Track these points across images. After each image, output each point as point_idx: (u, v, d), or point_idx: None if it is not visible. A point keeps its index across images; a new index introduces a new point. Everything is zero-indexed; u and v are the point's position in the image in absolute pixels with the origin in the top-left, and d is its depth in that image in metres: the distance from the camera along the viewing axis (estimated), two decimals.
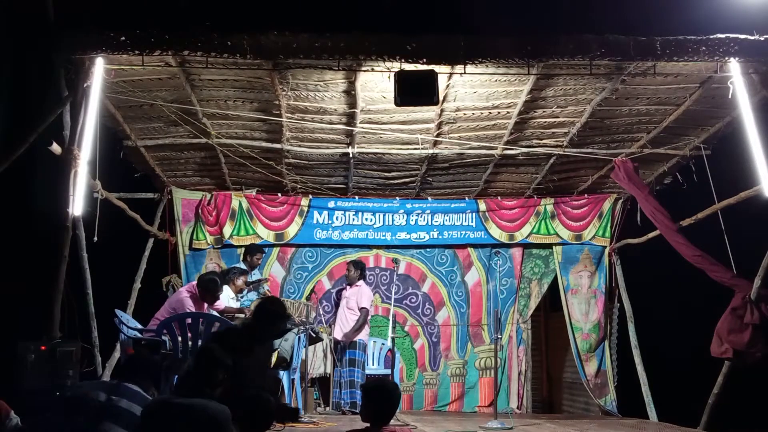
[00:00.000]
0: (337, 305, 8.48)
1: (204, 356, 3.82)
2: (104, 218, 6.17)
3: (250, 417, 3.65)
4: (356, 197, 8.73)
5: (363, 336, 7.63)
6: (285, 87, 6.02)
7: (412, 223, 8.70)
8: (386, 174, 8.22)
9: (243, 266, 7.69)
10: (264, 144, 7.20)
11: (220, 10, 5.61)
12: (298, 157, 7.65)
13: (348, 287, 7.87)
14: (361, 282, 7.75)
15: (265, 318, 4.72)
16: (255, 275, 7.96)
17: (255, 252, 7.96)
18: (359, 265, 7.87)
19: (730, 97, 5.63)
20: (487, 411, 8.15)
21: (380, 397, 3.63)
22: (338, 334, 7.76)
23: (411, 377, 8.60)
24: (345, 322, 7.68)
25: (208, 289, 6.24)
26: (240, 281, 7.11)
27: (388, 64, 5.34)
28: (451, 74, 5.74)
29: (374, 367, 8.00)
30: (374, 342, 8.09)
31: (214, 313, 6.34)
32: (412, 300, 8.80)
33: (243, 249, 8.27)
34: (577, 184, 8.57)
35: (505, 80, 5.92)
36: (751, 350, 5.99)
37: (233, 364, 3.94)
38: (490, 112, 6.62)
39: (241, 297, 7.30)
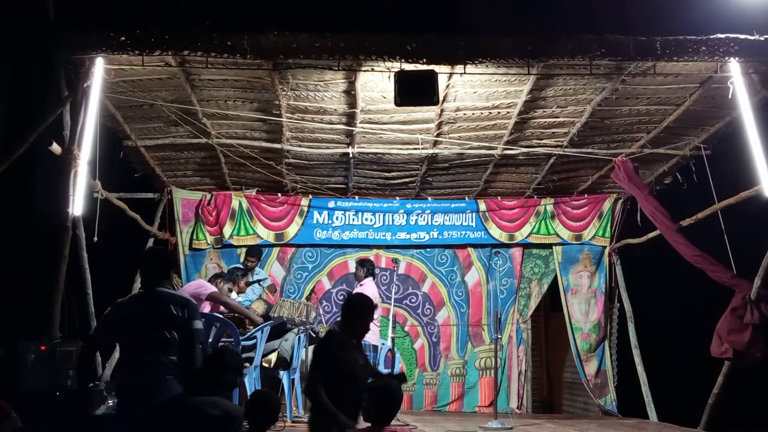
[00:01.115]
0: (337, 305, 8.50)
1: (214, 359, 3.83)
2: (104, 218, 6.17)
3: (252, 416, 3.67)
4: (356, 197, 8.73)
5: (370, 338, 7.58)
6: (285, 87, 6.02)
7: (412, 223, 8.70)
8: (386, 174, 8.22)
9: (243, 267, 7.73)
10: (264, 144, 7.20)
11: (220, 10, 5.61)
12: (298, 157, 7.65)
13: (356, 286, 7.87)
14: (367, 280, 7.69)
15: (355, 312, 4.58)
16: (259, 274, 7.97)
17: (248, 255, 7.93)
18: (366, 263, 7.84)
19: (730, 97, 5.63)
20: (487, 411, 8.15)
21: (382, 398, 3.63)
22: None
23: (411, 377, 8.59)
24: None
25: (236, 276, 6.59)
26: (243, 282, 7.12)
27: (388, 64, 5.35)
28: (451, 74, 5.74)
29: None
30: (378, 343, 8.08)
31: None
32: (412, 300, 8.80)
33: (244, 250, 8.27)
34: (577, 184, 8.57)
35: (505, 80, 5.92)
36: (751, 350, 6.00)
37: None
38: (490, 112, 6.62)
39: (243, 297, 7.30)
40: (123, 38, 5.13)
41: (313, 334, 6.93)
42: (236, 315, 6.35)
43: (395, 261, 7.97)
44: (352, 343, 4.39)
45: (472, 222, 8.74)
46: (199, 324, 4.10)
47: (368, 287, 7.68)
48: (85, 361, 4.40)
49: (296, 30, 5.20)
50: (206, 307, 6.13)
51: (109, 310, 4.13)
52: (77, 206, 5.32)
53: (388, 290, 8.23)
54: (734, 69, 5.50)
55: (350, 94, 6.19)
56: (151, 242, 8.14)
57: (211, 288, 6.24)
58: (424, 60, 5.30)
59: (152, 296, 4.08)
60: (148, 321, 3.96)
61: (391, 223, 8.70)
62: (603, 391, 8.39)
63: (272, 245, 8.56)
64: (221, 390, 3.73)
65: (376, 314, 7.65)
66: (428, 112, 6.54)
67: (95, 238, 6.03)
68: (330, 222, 8.63)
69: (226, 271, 7.10)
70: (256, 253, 8.02)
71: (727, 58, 5.40)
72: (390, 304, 7.56)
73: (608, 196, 8.68)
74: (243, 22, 5.32)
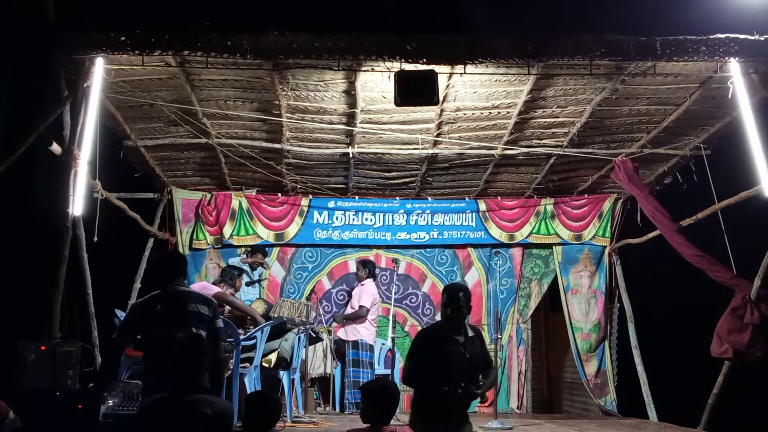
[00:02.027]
0: (337, 305, 8.51)
1: (186, 349, 3.79)
2: (104, 218, 6.17)
3: (251, 418, 3.67)
4: (356, 197, 8.73)
5: (367, 337, 7.63)
6: (285, 87, 6.02)
7: (412, 223, 8.70)
8: (386, 174, 8.22)
9: (241, 265, 7.77)
10: (264, 144, 7.20)
11: (220, 10, 5.61)
12: (298, 157, 7.65)
13: (356, 286, 7.92)
14: (367, 281, 7.78)
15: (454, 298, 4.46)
16: (259, 273, 7.98)
17: (256, 252, 7.99)
18: (367, 264, 7.91)
19: (730, 97, 5.63)
20: (487, 411, 8.14)
21: (380, 398, 3.63)
22: (341, 334, 7.79)
23: None
24: (349, 321, 7.72)
25: (232, 276, 6.59)
26: (238, 282, 7.11)
27: (388, 64, 5.34)
28: (451, 74, 5.74)
29: (376, 367, 8.00)
30: (374, 342, 8.10)
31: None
32: (412, 300, 8.80)
33: (248, 248, 8.27)
34: (577, 184, 8.57)
35: (505, 80, 5.92)
36: (751, 350, 6.00)
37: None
38: (490, 112, 6.62)
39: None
40: (123, 38, 5.13)
41: (313, 334, 6.95)
42: (237, 314, 6.35)
43: (395, 261, 7.99)
44: (444, 333, 4.33)
45: (472, 222, 8.74)
46: (221, 323, 4.16)
47: (367, 288, 7.74)
48: (110, 366, 4.34)
49: (296, 30, 5.19)
50: None
51: (129, 312, 4.15)
52: (77, 206, 5.32)
53: (388, 290, 8.24)
54: (734, 69, 5.50)
55: (350, 94, 6.19)
56: (151, 242, 8.15)
57: (215, 288, 6.25)
58: (424, 60, 5.29)
59: (175, 294, 4.09)
60: (176, 319, 3.95)
61: (391, 223, 8.70)
62: (603, 391, 8.39)
63: (272, 245, 8.56)
64: (201, 378, 3.71)
65: (372, 315, 7.72)
66: (428, 112, 6.54)
67: (95, 238, 6.03)
68: (330, 222, 8.63)
69: (221, 271, 7.10)
70: (262, 250, 8.08)
71: (727, 58, 5.40)
72: (390, 304, 7.57)
73: (608, 196, 8.68)
74: (243, 22, 5.31)
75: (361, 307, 7.60)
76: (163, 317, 3.96)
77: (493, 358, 4.51)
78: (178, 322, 3.93)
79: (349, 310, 7.83)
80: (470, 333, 4.40)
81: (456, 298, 4.35)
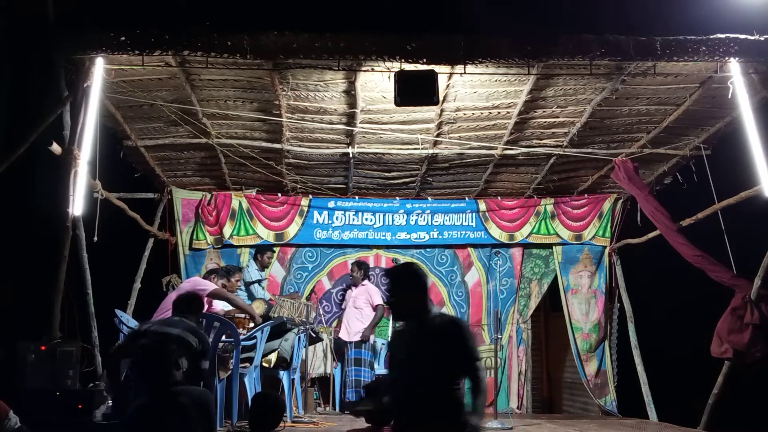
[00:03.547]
0: (337, 305, 8.50)
1: (148, 349, 3.83)
2: (104, 218, 6.17)
3: (256, 419, 3.69)
4: (356, 197, 8.72)
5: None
6: (285, 87, 6.02)
7: (412, 223, 8.70)
8: (386, 174, 8.22)
9: (249, 265, 7.82)
10: (264, 144, 7.20)
11: (220, 10, 5.61)
12: (298, 157, 7.65)
13: (353, 287, 7.92)
14: (366, 282, 7.80)
15: None
16: (256, 274, 7.99)
17: (265, 250, 8.03)
18: (363, 266, 7.94)
19: (730, 97, 5.63)
20: (487, 411, 8.14)
21: (381, 397, 3.62)
22: (343, 335, 7.79)
23: None
24: (352, 321, 7.73)
25: (230, 273, 6.64)
26: (234, 280, 7.10)
27: (388, 64, 5.35)
28: (451, 74, 5.74)
29: (375, 367, 8.00)
30: (374, 342, 8.10)
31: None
32: None
33: (253, 249, 8.31)
34: (577, 184, 8.57)
35: (505, 80, 5.92)
36: (751, 350, 5.99)
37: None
38: (490, 112, 6.62)
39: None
40: (123, 38, 5.14)
41: (313, 334, 6.95)
42: (236, 315, 6.33)
43: (395, 261, 8.00)
44: (402, 327, 3.44)
45: (472, 222, 8.74)
46: (206, 364, 4.40)
47: (372, 288, 7.82)
48: (114, 368, 4.63)
49: (296, 30, 5.20)
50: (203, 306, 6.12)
51: (137, 324, 4.41)
52: (77, 206, 5.32)
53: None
54: (734, 69, 5.50)
55: (350, 94, 6.19)
56: (151, 242, 8.15)
57: (211, 285, 6.23)
58: (424, 60, 5.30)
59: (174, 322, 4.38)
60: (160, 338, 4.18)
61: (391, 223, 8.70)
62: (603, 391, 8.39)
63: (272, 245, 8.56)
64: (174, 372, 3.76)
65: (369, 314, 7.74)
66: (428, 112, 6.54)
67: (95, 238, 6.03)
68: (330, 222, 8.63)
69: (220, 269, 7.09)
70: (271, 248, 8.13)
71: (727, 58, 5.40)
72: None
73: (608, 196, 8.68)
74: (243, 22, 5.32)
75: (376, 307, 7.65)
76: (152, 335, 4.22)
77: (481, 360, 3.26)
78: (159, 346, 4.14)
79: (353, 312, 7.81)
80: (431, 321, 3.25)
81: (396, 282, 3.40)
